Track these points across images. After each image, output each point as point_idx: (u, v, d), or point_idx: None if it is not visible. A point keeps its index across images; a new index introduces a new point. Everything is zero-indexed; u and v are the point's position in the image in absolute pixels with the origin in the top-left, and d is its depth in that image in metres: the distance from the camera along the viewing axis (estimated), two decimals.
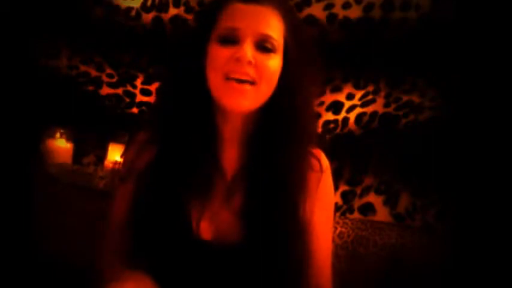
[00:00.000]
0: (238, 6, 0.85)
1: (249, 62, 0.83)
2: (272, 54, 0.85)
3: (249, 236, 0.87)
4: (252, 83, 0.84)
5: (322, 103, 1.39)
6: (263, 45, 0.84)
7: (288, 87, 0.88)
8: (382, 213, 1.42)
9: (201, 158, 0.90)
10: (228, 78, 0.84)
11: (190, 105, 0.89)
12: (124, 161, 0.98)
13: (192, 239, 0.88)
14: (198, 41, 0.88)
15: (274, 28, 0.86)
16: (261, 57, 0.84)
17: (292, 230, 0.88)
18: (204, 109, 0.89)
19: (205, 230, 0.89)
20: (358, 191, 1.43)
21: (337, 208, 1.43)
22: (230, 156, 0.93)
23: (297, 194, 0.90)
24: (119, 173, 0.96)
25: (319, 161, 0.95)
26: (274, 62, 0.86)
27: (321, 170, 0.94)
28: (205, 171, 0.90)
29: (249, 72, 0.83)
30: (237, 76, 0.83)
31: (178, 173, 0.89)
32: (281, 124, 0.89)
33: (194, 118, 0.89)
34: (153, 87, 1.54)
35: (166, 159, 0.90)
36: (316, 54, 0.93)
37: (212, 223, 0.90)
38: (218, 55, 0.84)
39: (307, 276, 0.92)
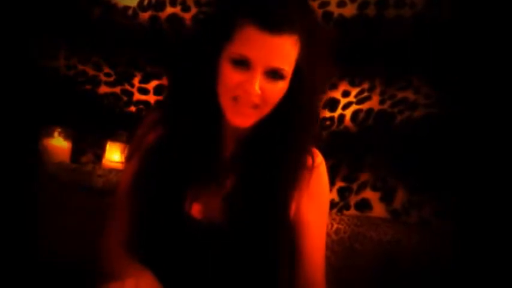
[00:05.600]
0: (254, 33, 0.82)
1: (257, 94, 0.85)
2: (280, 81, 0.86)
3: (231, 220, 0.91)
4: (256, 107, 0.87)
5: None
6: (272, 76, 0.85)
7: (295, 98, 0.90)
8: (378, 209, 1.42)
9: (203, 146, 0.93)
10: (235, 99, 0.87)
11: (196, 100, 0.92)
12: (133, 139, 1.01)
13: (183, 216, 0.92)
14: (208, 50, 0.88)
15: (288, 59, 0.86)
16: (268, 85, 0.85)
17: (276, 220, 0.91)
18: (209, 106, 0.92)
19: (197, 209, 0.93)
20: (355, 187, 1.44)
21: (333, 204, 1.44)
22: (231, 146, 0.96)
23: (284, 189, 0.93)
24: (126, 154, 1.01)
25: (312, 157, 0.96)
26: (281, 86, 0.87)
27: (313, 166, 0.96)
28: (205, 157, 0.93)
29: (255, 100, 0.86)
30: (244, 102, 0.86)
31: (180, 156, 0.93)
32: (284, 125, 0.91)
33: (199, 111, 0.92)
34: (151, 85, 1.55)
35: (170, 144, 0.94)
36: (330, 62, 0.93)
37: (203, 204, 0.94)
38: (229, 77, 0.85)
39: (298, 268, 0.94)
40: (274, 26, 0.82)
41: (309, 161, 0.95)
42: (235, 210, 0.91)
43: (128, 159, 0.99)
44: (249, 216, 0.90)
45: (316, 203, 0.97)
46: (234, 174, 0.95)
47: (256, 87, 0.84)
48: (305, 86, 0.89)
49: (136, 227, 0.93)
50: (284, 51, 0.84)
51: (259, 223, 0.90)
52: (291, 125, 0.91)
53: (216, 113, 0.91)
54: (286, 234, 0.92)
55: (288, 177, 0.93)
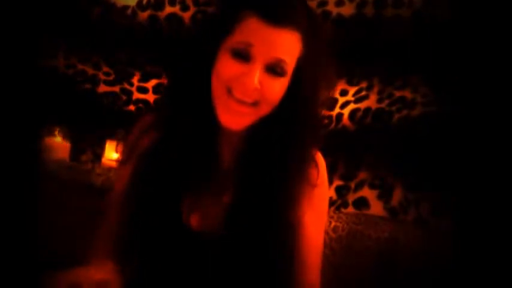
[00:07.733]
0: (257, 23, 0.81)
1: (255, 88, 0.82)
2: (280, 78, 0.83)
3: (231, 232, 0.88)
4: (253, 104, 0.83)
5: None
6: (273, 69, 0.82)
7: (294, 102, 0.87)
8: (376, 208, 1.43)
9: (200, 150, 0.90)
10: (230, 92, 0.83)
11: (193, 101, 0.89)
12: (127, 142, 0.98)
13: (180, 225, 0.89)
14: (209, 47, 0.86)
15: (289, 52, 0.83)
16: (268, 80, 0.82)
17: (275, 230, 0.88)
18: (208, 107, 0.89)
19: (194, 219, 0.90)
20: (353, 185, 1.45)
21: (331, 202, 1.44)
22: (229, 152, 0.94)
23: (285, 198, 0.90)
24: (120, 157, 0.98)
25: (316, 165, 0.94)
26: (281, 84, 0.84)
27: (317, 177, 0.93)
28: (202, 163, 0.91)
29: (253, 95, 0.83)
30: (239, 97, 0.83)
31: (176, 161, 0.90)
32: (284, 128, 0.88)
33: (197, 112, 0.89)
34: (150, 84, 1.55)
35: (166, 148, 0.90)
36: (333, 63, 0.92)
37: (201, 213, 0.90)
38: (227, 66, 0.82)
39: (294, 275, 0.92)
40: (278, 18, 0.81)
41: (313, 175, 0.93)
42: (236, 222, 0.88)
43: (122, 163, 0.96)
44: (250, 228, 0.87)
45: (315, 210, 0.95)
46: (233, 182, 0.91)
47: (256, 81, 0.81)
48: (306, 86, 0.87)
49: (131, 235, 0.89)
50: (287, 44, 0.82)
51: (260, 235, 0.87)
52: (292, 128, 0.88)
53: (213, 115, 0.88)
54: (288, 247, 0.90)
55: (289, 185, 0.89)
